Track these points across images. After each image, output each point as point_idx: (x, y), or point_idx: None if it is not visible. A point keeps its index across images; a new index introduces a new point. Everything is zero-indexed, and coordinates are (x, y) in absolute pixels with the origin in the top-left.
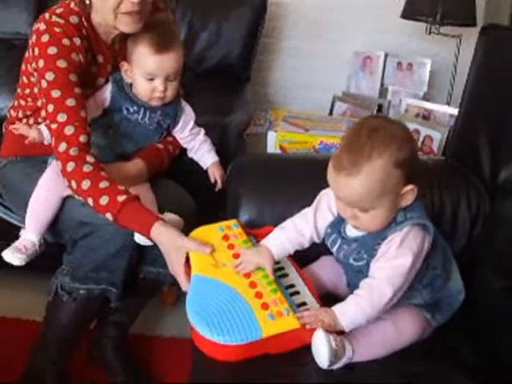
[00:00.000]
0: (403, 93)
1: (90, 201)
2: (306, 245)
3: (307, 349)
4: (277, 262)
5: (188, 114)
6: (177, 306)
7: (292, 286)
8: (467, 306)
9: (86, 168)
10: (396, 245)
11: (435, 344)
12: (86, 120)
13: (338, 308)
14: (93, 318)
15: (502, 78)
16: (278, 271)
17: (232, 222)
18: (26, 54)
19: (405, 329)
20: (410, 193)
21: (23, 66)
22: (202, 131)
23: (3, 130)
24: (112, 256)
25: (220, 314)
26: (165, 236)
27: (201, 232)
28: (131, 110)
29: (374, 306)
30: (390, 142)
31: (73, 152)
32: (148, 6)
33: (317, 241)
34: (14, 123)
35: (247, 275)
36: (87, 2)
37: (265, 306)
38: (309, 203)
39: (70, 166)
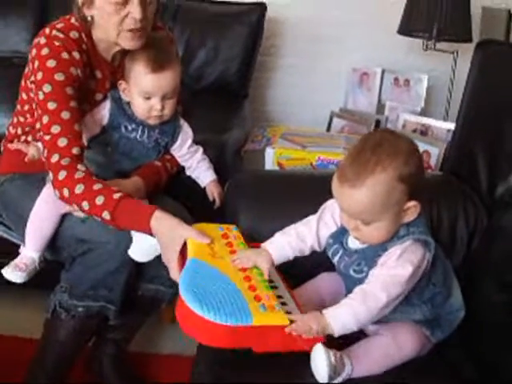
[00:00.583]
0: (400, 108)
1: (85, 204)
2: (307, 252)
3: (306, 363)
4: (269, 274)
5: (186, 133)
6: (175, 323)
7: (280, 297)
8: (467, 321)
9: (78, 175)
10: (396, 256)
11: (434, 360)
12: (80, 134)
13: (329, 312)
14: (91, 335)
15: (498, 93)
16: (271, 282)
17: (232, 226)
18: (26, 70)
19: (404, 345)
20: (412, 209)
21: (22, 82)
22: (200, 149)
23: (1, 147)
24: (110, 273)
25: (213, 295)
26: (165, 224)
27: (201, 226)
28: (129, 128)
29: (368, 311)
30: (395, 156)
31: (64, 162)
32: (149, 24)
33: (318, 249)
34: (12, 140)
35: (243, 270)
36: (89, 18)
37: (257, 298)
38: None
39: (62, 174)
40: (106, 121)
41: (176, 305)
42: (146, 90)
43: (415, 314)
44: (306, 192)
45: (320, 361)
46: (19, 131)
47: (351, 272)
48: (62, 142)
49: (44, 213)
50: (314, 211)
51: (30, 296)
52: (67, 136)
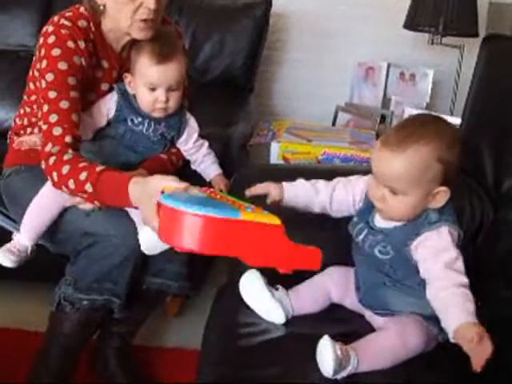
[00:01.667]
0: (406, 103)
1: (71, 182)
2: (316, 208)
3: (310, 359)
4: None
5: (192, 127)
6: (180, 317)
7: None
8: None
9: (66, 157)
10: (450, 245)
11: (440, 355)
12: (77, 124)
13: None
14: (96, 328)
15: (504, 88)
16: None
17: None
18: (34, 59)
19: (411, 340)
20: (442, 194)
21: (30, 72)
22: (206, 144)
23: (8, 140)
24: (115, 267)
25: (196, 198)
26: (139, 185)
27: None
28: (136, 121)
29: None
30: (441, 137)
31: (54, 150)
32: (160, 16)
33: (328, 211)
34: (18, 132)
35: (223, 198)
36: (101, 7)
37: (242, 206)
38: (312, 213)
39: (52, 160)
40: (112, 113)
41: (159, 217)
42: (150, 82)
43: (428, 308)
44: None
45: (326, 353)
46: (25, 122)
47: (376, 252)
48: (57, 131)
49: (45, 203)
50: None
51: (35, 289)
52: (63, 125)
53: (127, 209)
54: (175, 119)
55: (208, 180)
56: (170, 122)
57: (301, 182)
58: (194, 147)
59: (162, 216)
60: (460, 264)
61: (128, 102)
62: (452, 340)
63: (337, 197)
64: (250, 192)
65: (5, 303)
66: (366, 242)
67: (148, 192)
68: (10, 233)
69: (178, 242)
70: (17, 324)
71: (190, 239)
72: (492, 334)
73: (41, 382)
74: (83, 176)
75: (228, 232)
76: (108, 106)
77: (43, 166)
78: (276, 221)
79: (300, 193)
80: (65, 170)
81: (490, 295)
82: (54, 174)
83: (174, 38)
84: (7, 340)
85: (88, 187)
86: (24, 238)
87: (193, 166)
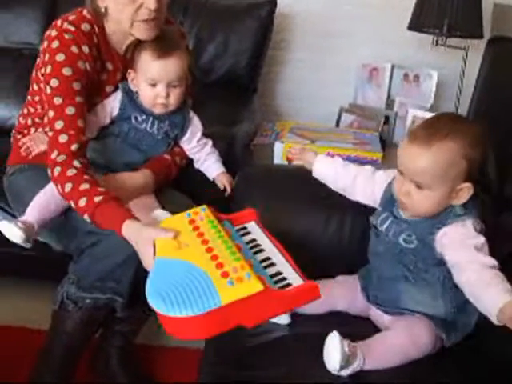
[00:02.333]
0: (410, 104)
1: (72, 203)
2: (339, 183)
3: (315, 356)
4: (252, 240)
5: (196, 125)
6: None
7: (267, 259)
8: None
9: (70, 172)
10: (480, 234)
11: (444, 357)
12: (83, 129)
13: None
14: (98, 327)
15: (508, 90)
16: (254, 247)
17: (200, 207)
18: (38, 61)
19: (419, 340)
20: (465, 191)
21: (34, 73)
22: (210, 142)
23: (11, 138)
24: (119, 266)
25: (177, 289)
26: (132, 231)
27: (169, 220)
28: (139, 119)
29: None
30: (467, 135)
31: (60, 159)
32: (163, 15)
33: (348, 192)
34: (22, 131)
35: (209, 249)
36: (102, 9)
37: (225, 275)
38: (315, 213)
39: (56, 171)
40: (116, 111)
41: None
42: (151, 77)
43: (439, 309)
44: (314, 186)
45: (334, 348)
46: (29, 122)
47: (401, 240)
48: (63, 139)
49: (52, 196)
50: (322, 204)
51: (39, 288)
52: (69, 132)
53: (131, 207)
54: (179, 117)
55: (211, 178)
56: (173, 120)
57: (332, 158)
58: (197, 146)
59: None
60: (487, 249)
61: (132, 99)
62: (496, 322)
63: (358, 181)
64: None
65: (8, 301)
66: (390, 230)
67: (143, 241)
68: None
69: (180, 336)
70: (20, 322)
71: (188, 334)
72: (493, 337)
73: (43, 380)
74: (82, 203)
75: (216, 320)
76: (112, 104)
77: (49, 173)
78: (257, 287)
79: (330, 167)
80: (67, 188)
81: None
82: (59, 187)
83: (176, 36)
84: (10, 338)
85: (86, 217)
86: (30, 216)
87: (196, 165)
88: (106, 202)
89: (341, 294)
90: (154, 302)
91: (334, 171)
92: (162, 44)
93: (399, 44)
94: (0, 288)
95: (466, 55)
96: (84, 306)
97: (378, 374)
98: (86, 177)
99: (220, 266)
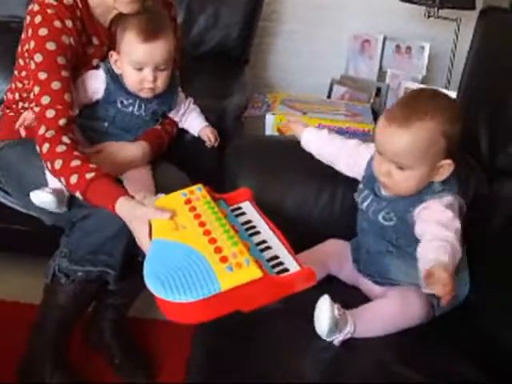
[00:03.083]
0: (402, 76)
1: (63, 180)
2: (325, 155)
3: (306, 325)
4: (247, 222)
5: (184, 102)
6: None
7: (263, 241)
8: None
9: (60, 148)
10: (449, 210)
11: (434, 328)
12: (70, 104)
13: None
14: (91, 300)
15: (501, 62)
16: (250, 229)
17: (196, 187)
18: (22, 36)
19: (411, 310)
20: (446, 168)
21: (19, 48)
22: (191, 100)
23: (0, 113)
24: (110, 239)
25: (176, 273)
26: (126, 208)
27: (164, 200)
28: (126, 102)
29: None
30: (445, 111)
31: (49, 134)
32: None
33: (333, 161)
34: (10, 106)
35: (207, 232)
36: None
37: (224, 260)
38: (306, 185)
39: (45, 147)
40: (100, 94)
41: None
42: (137, 61)
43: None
44: (306, 157)
45: (323, 311)
46: (17, 97)
47: (380, 218)
48: (50, 114)
49: None
50: (314, 176)
51: (30, 262)
52: (56, 107)
53: (122, 179)
54: (167, 95)
55: (196, 134)
56: (162, 99)
57: (322, 132)
58: (184, 113)
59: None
60: (455, 226)
61: (117, 82)
62: (424, 289)
63: (343, 154)
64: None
65: (0, 276)
66: (370, 208)
67: (138, 220)
68: (5, 206)
69: (179, 320)
70: (12, 296)
71: (187, 318)
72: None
73: (36, 353)
74: (73, 180)
75: (215, 305)
76: (95, 85)
77: (38, 150)
78: (257, 273)
79: (315, 133)
80: (57, 164)
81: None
82: (48, 164)
83: (162, 13)
84: (2, 312)
85: (78, 194)
86: (55, 184)
87: (180, 125)
88: (98, 178)
89: (330, 256)
90: (152, 285)
91: (319, 143)
92: (148, 24)
93: (391, 15)
94: None
95: (458, 27)
96: (76, 279)
97: (366, 341)
98: (76, 153)
99: (218, 250)
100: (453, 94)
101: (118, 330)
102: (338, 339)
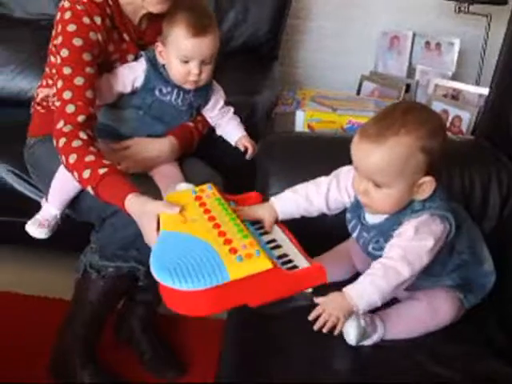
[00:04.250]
0: (431, 73)
1: (76, 175)
2: (314, 214)
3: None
4: (257, 222)
5: (219, 94)
6: None
7: (273, 240)
8: (498, 287)
9: (75, 143)
10: (413, 228)
11: (467, 326)
12: (92, 101)
13: (353, 290)
14: (121, 296)
15: None
16: (260, 229)
17: (206, 185)
18: (53, 33)
19: (440, 310)
20: (427, 185)
21: (50, 45)
22: (231, 109)
23: (31, 110)
24: (139, 234)
25: (184, 262)
26: (135, 204)
27: (174, 195)
28: (164, 91)
29: (390, 286)
30: (422, 125)
31: (66, 129)
32: None
33: (326, 212)
34: (41, 103)
35: (217, 225)
36: None
37: (233, 251)
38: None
39: (61, 141)
40: (140, 82)
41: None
42: (184, 54)
43: (445, 281)
44: (337, 154)
45: (350, 323)
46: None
47: (370, 249)
48: (70, 109)
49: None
50: None
51: (61, 257)
52: (76, 103)
53: (152, 175)
54: (204, 88)
55: (233, 143)
56: (198, 92)
57: (290, 194)
58: (219, 114)
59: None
60: (413, 253)
61: (157, 71)
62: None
63: (332, 197)
64: (246, 218)
65: (31, 271)
66: (360, 239)
67: (143, 216)
68: (37, 203)
69: (182, 311)
70: (43, 292)
71: (191, 310)
72: None
73: (67, 349)
74: (86, 174)
75: (223, 295)
76: (136, 73)
77: (54, 144)
78: (267, 264)
79: (293, 207)
80: (71, 159)
81: None
82: (63, 158)
83: (209, 10)
84: (33, 307)
85: (89, 189)
86: (52, 206)
87: (217, 132)
88: (111, 174)
89: (354, 253)
90: (159, 274)
91: (299, 209)
92: (198, 20)
93: (420, 11)
94: (22, 258)
95: (490, 22)
96: (107, 275)
97: (399, 343)
98: (91, 149)
99: (228, 242)
100: (483, 90)
101: (148, 326)
102: (367, 343)
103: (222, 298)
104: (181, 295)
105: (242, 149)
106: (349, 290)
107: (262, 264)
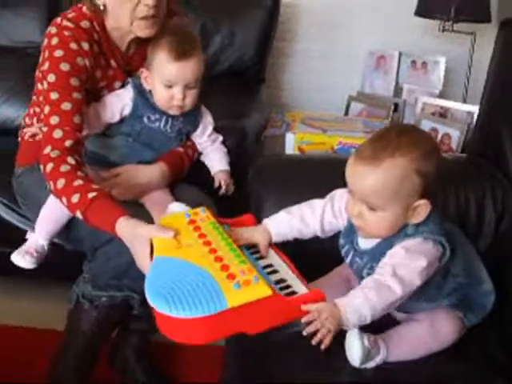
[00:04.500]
0: (418, 91)
1: (64, 200)
2: (308, 236)
3: (340, 346)
4: (253, 246)
5: (207, 120)
6: None
7: (270, 265)
8: (497, 306)
9: (63, 168)
10: (404, 248)
11: (468, 346)
12: (79, 126)
13: (344, 304)
14: (115, 325)
15: None
16: (256, 253)
17: (199, 208)
18: (40, 59)
19: (442, 330)
20: (422, 208)
21: (37, 72)
22: (220, 138)
23: (19, 138)
24: (133, 262)
25: (181, 289)
26: (126, 228)
27: (167, 219)
28: (152, 118)
29: (383, 303)
30: (417, 148)
31: (54, 154)
32: (163, 10)
33: (320, 235)
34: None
35: (213, 250)
36: (101, 6)
37: (231, 277)
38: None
39: (49, 166)
40: (128, 110)
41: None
42: (168, 78)
43: (442, 302)
44: (329, 176)
45: (353, 344)
46: (35, 121)
47: (364, 275)
48: (57, 134)
49: (59, 203)
50: None
51: (53, 287)
52: (64, 128)
53: (143, 202)
54: (192, 114)
55: (213, 173)
56: (187, 118)
57: (284, 217)
58: (208, 140)
59: (154, 311)
60: (406, 271)
61: (145, 98)
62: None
63: (327, 220)
64: (239, 242)
65: (22, 302)
66: (353, 264)
67: (135, 240)
68: (25, 232)
69: (178, 339)
70: (34, 323)
71: (187, 337)
72: None
73: (60, 379)
74: (75, 199)
75: (220, 323)
76: (123, 101)
77: (41, 169)
78: (266, 291)
79: (287, 229)
80: (59, 184)
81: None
82: (51, 183)
83: (194, 34)
84: (25, 338)
85: (78, 214)
86: (39, 236)
87: (202, 158)
88: (100, 198)
89: (351, 274)
90: (154, 300)
91: (293, 231)
92: (180, 44)
93: (406, 31)
94: (10, 288)
95: (474, 40)
96: (100, 305)
97: (400, 365)
98: (80, 173)
99: (225, 267)
100: (470, 108)
101: (142, 355)
102: (370, 366)
103: (220, 325)
104: (177, 323)
105: (217, 184)
106: (340, 301)
107: (261, 291)
